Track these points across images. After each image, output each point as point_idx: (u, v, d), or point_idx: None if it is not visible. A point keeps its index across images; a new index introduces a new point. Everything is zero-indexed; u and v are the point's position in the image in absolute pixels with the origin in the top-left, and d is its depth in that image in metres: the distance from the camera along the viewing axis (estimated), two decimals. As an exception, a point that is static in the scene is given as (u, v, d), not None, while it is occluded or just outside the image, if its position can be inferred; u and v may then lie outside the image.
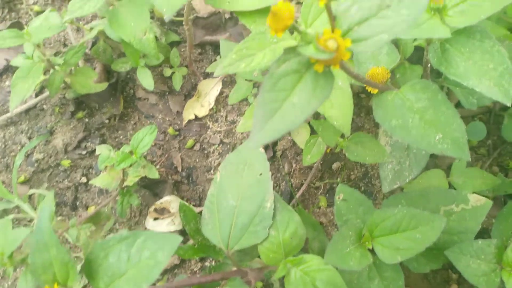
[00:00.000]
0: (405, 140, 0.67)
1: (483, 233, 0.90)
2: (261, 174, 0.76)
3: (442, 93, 0.67)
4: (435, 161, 1.05)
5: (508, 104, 0.62)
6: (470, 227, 0.79)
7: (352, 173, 1.04)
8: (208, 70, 1.04)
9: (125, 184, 0.82)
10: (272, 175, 1.04)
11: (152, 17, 1.12)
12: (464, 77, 0.64)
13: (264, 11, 0.74)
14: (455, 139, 0.66)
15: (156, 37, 1.11)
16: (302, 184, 1.03)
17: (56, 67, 0.90)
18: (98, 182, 0.83)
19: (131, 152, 0.80)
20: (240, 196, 0.76)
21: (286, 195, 1.02)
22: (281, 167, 1.05)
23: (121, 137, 1.06)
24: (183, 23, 0.88)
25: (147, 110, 1.07)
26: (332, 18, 0.43)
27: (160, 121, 1.07)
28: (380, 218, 0.75)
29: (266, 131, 0.44)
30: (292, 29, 0.44)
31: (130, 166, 0.82)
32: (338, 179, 1.04)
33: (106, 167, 0.82)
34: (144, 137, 0.80)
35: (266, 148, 1.04)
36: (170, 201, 0.94)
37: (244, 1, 0.73)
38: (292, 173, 1.04)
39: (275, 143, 1.06)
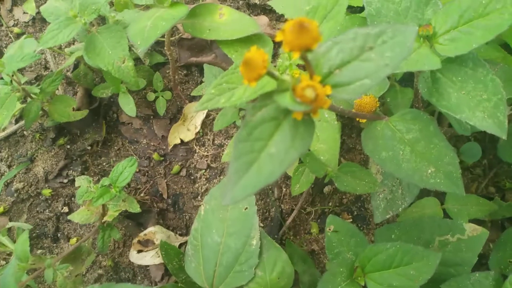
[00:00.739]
0: (395, 174, 0.64)
1: (481, 258, 0.87)
2: (246, 208, 0.73)
3: (434, 124, 0.64)
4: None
5: (504, 137, 0.59)
6: (467, 259, 0.76)
7: (344, 196, 1.00)
8: (193, 93, 1.00)
9: (105, 219, 0.78)
10: (262, 201, 1.00)
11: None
12: (456, 110, 0.60)
13: (246, 40, 0.70)
14: (448, 173, 0.62)
15: (140, 59, 1.08)
16: (292, 210, 0.99)
17: (33, 95, 0.86)
18: (76, 218, 0.79)
19: (110, 186, 0.76)
20: (225, 232, 0.73)
21: (276, 221, 0.98)
22: (270, 192, 1.01)
23: (104, 164, 1.02)
24: (165, 48, 0.85)
25: (131, 135, 1.03)
26: (310, 66, 0.40)
27: (145, 146, 1.03)
28: (373, 253, 0.72)
29: (241, 187, 0.40)
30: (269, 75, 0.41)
31: (110, 200, 0.78)
32: (330, 204, 1.01)
33: (85, 201, 0.79)
34: (124, 170, 0.77)
35: (254, 173, 1.00)
36: (155, 232, 0.91)
37: (225, 31, 0.70)
38: (282, 198, 1.01)
39: (264, 168, 1.02)
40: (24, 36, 0.86)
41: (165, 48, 0.84)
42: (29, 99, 0.86)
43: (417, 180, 0.63)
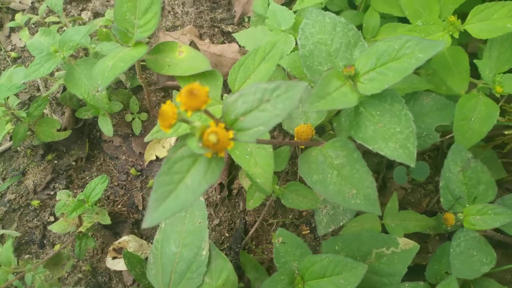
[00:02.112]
0: (323, 195, 0.73)
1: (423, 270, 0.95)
2: (200, 222, 0.83)
3: (358, 152, 0.73)
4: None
5: (412, 165, 0.68)
6: (398, 270, 0.85)
7: (303, 210, 1.10)
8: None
9: (79, 229, 0.89)
10: (228, 213, 1.10)
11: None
12: (370, 141, 0.69)
13: (199, 75, 0.81)
14: (367, 195, 0.71)
15: (122, 82, 1.19)
16: (255, 221, 1.09)
17: (21, 119, 0.98)
18: (55, 228, 0.90)
19: (83, 201, 0.87)
20: (181, 243, 0.83)
21: (240, 232, 1.08)
22: (237, 205, 1.11)
23: (87, 178, 1.13)
24: (137, 77, 0.96)
25: (111, 151, 1.14)
26: (212, 116, 0.50)
27: (124, 162, 1.14)
28: (310, 263, 0.81)
29: (160, 212, 0.50)
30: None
31: (85, 212, 0.89)
32: (291, 216, 1.10)
33: (62, 213, 0.89)
34: (96, 187, 0.87)
35: (222, 187, 1.10)
36: (128, 240, 1.01)
37: (181, 67, 0.80)
38: (247, 210, 1.10)
39: (231, 182, 1.12)
40: (14, 66, 0.97)
41: (137, 77, 0.95)
42: (16, 122, 0.98)
43: (341, 201, 0.72)
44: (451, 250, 0.85)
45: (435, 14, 0.87)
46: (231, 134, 0.50)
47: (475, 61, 0.82)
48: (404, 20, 0.92)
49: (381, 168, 1.15)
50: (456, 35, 0.79)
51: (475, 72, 0.86)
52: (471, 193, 0.84)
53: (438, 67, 0.87)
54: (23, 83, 0.88)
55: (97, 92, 0.88)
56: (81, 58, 0.92)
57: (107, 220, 0.90)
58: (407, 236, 1.03)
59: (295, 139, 0.81)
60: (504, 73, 0.82)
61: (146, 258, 0.90)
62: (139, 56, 0.77)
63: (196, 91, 0.44)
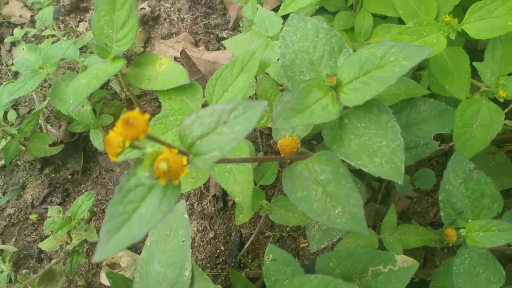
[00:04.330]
0: (307, 213, 0.68)
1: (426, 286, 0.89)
2: (183, 241, 0.80)
3: (344, 166, 0.68)
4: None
5: (400, 182, 0.63)
6: (396, 290, 0.79)
7: (302, 222, 1.05)
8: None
9: (67, 247, 0.88)
10: (224, 225, 1.07)
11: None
12: (353, 157, 0.64)
13: (179, 89, 0.78)
14: (353, 213, 0.66)
15: (117, 93, 1.18)
16: (251, 234, 1.05)
17: (14, 135, 0.98)
18: (44, 246, 0.89)
19: (70, 218, 0.86)
20: (165, 263, 0.80)
21: (236, 244, 1.05)
22: (232, 217, 1.08)
23: (83, 191, 1.13)
24: (125, 90, 0.94)
25: (106, 164, 1.13)
26: (163, 143, 0.46)
27: (119, 175, 1.13)
28: (299, 283, 0.77)
29: (112, 245, 0.47)
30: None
31: (74, 229, 0.88)
32: (288, 228, 1.06)
33: (51, 231, 0.89)
34: (82, 204, 0.86)
35: (217, 199, 1.07)
36: (121, 255, 1.00)
37: (160, 80, 0.78)
38: (242, 223, 1.07)
39: (225, 194, 1.09)
40: (6, 83, 0.97)
41: (125, 90, 0.93)
42: (9, 138, 0.98)
43: (325, 220, 0.67)
44: (454, 268, 0.79)
45: (433, 12, 0.80)
46: (184, 160, 0.47)
47: (474, 63, 0.75)
48: (403, 21, 0.86)
49: (385, 175, 1.09)
50: (453, 36, 0.73)
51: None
52: (475, 207, 0.78)
53: (436, 71, 0.80)
54: (12, 101, 0.88)
55: (83, 107, 0.87)
56: (66, 74, 0.91)
57: (95, 238, 0.89)
58: (412, 249, 0.97)
59: (280, 153, 0.77)
60: (509, 75, 0.75)
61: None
62: (114, 72, 0.74)
63: (132, 120, 0.41)
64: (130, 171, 0.51)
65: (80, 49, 1.18)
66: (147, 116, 0.42)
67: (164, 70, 0.79)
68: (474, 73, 0.80)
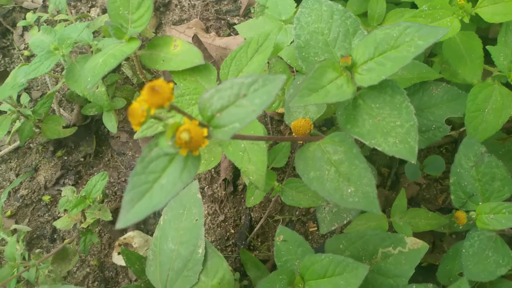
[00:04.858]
0: (320, 193, 0.69)
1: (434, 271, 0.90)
2: (196, 219, 0.81)
3: (357, 147, 0.69)
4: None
5: (413, 162, 0.63)
6: (405, 271, 0.80)
7: (311, 207, 1.06)
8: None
9: (81, 226, 0.90)
10: (234, 209, 1.09)
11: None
12: (367, 136, 0.65)
13: (193, 70, 0.79)
14: (365, 193, 0.67)
15: (128, 78, 1.19)
16: (261, 218, 1.07)
17: (28, 116, 0.99)
18: (59, 224, 0.91)
19: (85, 197, 0.87)
20: (179, 241, 0.81)
21: (246, 228, 1.06)
22: (242, 201, 1.09)
23: (95, 173, 1.14)
24: (138, 73, 0.95)
25: (118, 147, 1.15)
26: (183, 113, 0.48)
27: (130, 158, 1.14)
28: (310, 262, 0.78)
29: (134, 213, 0.49)
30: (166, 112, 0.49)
31: (88, 208, 0.89)
32: (297, 212, 1.07)
33: (66, 210, 0.90)
34: (97, 184, 0.88)
35: (227, 183, 1.09)
36: (133, 236, 1.01)
37: (175, 61, 0.79)
38: (253, 206, 1.08)
39: (236, 178, 1.10)
40: (20, 65, 0.99)
41: (138, 73, 0.94)
42: (24, 119, 1.00)
43: (338, 199, 0.68)
44: (464, 250, 0.79)
45: (446, -4, 0.80)
46: (205, 131, 0.48)
47: (487, 47, 0.75)
48: (416, 6, 0.86)
49: (394, 162, 1.10)
50: (466, 20, 0.73)
51: (492, 59, 0.79)
52: (485, 190, 0.78)
53: (449, 55, 0.81)
54: (28, 81, 0.89)
55: (97, 88, 0.88)
56: (81, 56, 0.92)
57: (109, 217, 0.90)
58: (420, 234, 0.98)
59: (293, 134, 0.78)
60: (522, 59, 0.75)
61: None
62: (130, 51, 0.75)
63: (158, 87, 0.42)
64: (151, 143, 0.52)
65: (92, 33, 1.19)
66: (171, 84, 0.43)
67: (178, 51, 0.80)
68: (486, 59, 0.81)
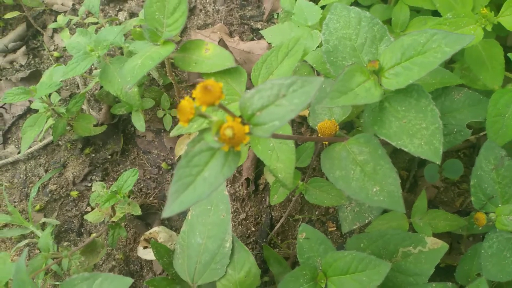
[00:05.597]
0: (345, 192, 0.72)
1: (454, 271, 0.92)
2: (223, 215, 0.85)
3: (382, 148, 0.72)
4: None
5: (438, 162, 0.66)
6: (425, 270, 0.83)
7: (330, 207, 1.09)
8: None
9: (111, 219, 0.93)
10: (255, 207, 1.12)
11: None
12: (394, 137, 0.68)
13: (224, 72, 0.82)
14: (390, 192, 0.70)
15: (155, 79, 1.24)
16: (281, 217, 1.10)
17: (61, 114, 1.04)
18: (90, 217, 0.95)
19: (116, 192, 0.91)
20: (206, 235, 0.85)
21: (266, 226, 1.09)
22: (263, 200, 1.12)
23: (122, 171, 1.18)
24: (167, 74, 0.99)
25: (144, 146, 1.19)
26: (228, 111, 0.51)
27: (155, 157, 1.18)
28: (333, 259, 0.81)
29: (179, 203, 0.52)
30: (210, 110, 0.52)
31: (117, 203, 0.93)
32: (317, 212, 1.10)
33: (97, 204, 0.94)
34: (128, 179, 0.92)
35: (249, 182, 1.12)
36: (159, 231, 1.05)
37: (207, 64, 0.82)
38: (273, 205, 1.11)
39: (257, 177, 1.13)
40: (55, 65, 1.03)
41: (167, 74, 0.98)
42: (57, 117, 1.04)
43: (363, 197, 0.71)
44: (483, 251, 0.82)
45: (469, 6, 0.83)
46: (247, 128, 0.51)
47: (509, 54, 0.78)
48: (437, 14, 0.89)
49: (413, 165, 1.12)
50: (489, 28, 0.76)
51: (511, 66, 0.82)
52: (505, 192, 0.81)
53: (471, 62, 0.84)
54: (62, 81, 0.94)
55: (129, 89, 0.92)
56: (115, 57, 0.97)
57: (138, 211, 0.94)
58: (438, 236, 1.00)
59: (319, 135, 0.81)
60: (543, 66, 0.78)
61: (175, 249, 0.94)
62: (167, 54, 0.79)
63: (210, 86, 0.45)
64: (194, 139, 0.55)
65: (122, 36, 1.23)
66: (221, 84, 0.47)
67: (210, 54, 0.84)
68: (506, 66, 0.83)
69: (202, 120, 0.74)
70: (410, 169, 1.11)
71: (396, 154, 1.13)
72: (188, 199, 0.52)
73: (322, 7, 0.94)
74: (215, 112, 0.70)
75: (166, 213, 0.52)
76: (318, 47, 0.90)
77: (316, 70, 0.93)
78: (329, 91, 0.67)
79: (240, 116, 0.54)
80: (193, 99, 0.49)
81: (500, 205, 0.80)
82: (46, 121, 1.06)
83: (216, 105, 0.47)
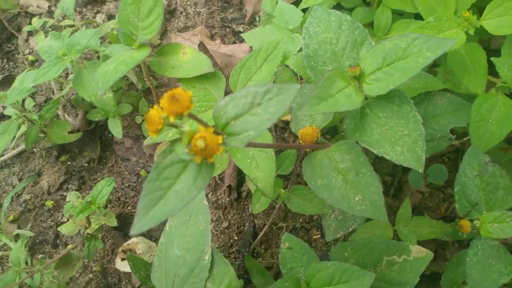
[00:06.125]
0: (327, 201, 0.70)
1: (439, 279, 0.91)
2: (203, 226, 0.82)
3: (364, 155, 0.70)
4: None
5: (420, 170, 0.64)
6: (410, 279, 0.81)
7: (315, 214, 1.07)
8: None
9: (86, 231, 0.89)
10: (238, 215, 1.09)
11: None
12: (376, 145, 0.66)
13: (202, 77, 0.79)
14: (373, 201, 0.68)
15: (133, 84, 1.20)
16: (265, 225, 1.07)
17: (34, 121, 1.00)
18: (63, 229, 0.91)
19: (90, 202, 0.87)
20: (185, 247, 0.82)
21: (249, 235, 1.06)
22: (246, 207, 1.09)
23: (99, 179, 1.14)
24: (145, 79, 0.95)
25: (122, 153, 1.15)
26: (199, 121, 0.48)
27: (134, 164, 1.14)
28: (316, 270, 0.78)
29: (149, 218, 0.49)
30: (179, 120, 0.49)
31: (93, 214, 0.89)
32: (301, 220, 1.07)
33: (71, 215, 0.90)
34: (103, 189, 0.88)
35: (231, 190, 1.09)
36: (137, 242, 1.01)
37: (184, 69, 0.79)
38: (256, 213, 1.08)
39: (240, 184, 1.10)
40: (27, 69, 0.99)
41: (145, 79, 0.94)
42: (30, 124, 1.00)
43: (345, 207, 0.69)
44: (468, 259, 0.80)
45: (451, 9, 0.82)
46: (220, 139, 0.48)
47: (492, 58, 0.77)
48: (420, 17, 0.88)
49: (397, 170, 1.11)
50: (472, 32, 0.75)
51: (495, 70, 0.81)
52: (489, 199, 0.79)
53: (454, 66, 0.82)
54: (36, 86, 0.89)
55: (105, 94, 0.89)
56: (90, 61, 0.93)
57: (114, 223, 0.90)
58: (423, 242, 0.99)
59: (300, 142, 0.78)
60: (526, 71, 0.77)
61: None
62: (141, 58, 0.76)
63: (178, 96, 0.43)
64: (165, 150, 0.52)
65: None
66: (190, 93, 0.44)
67: (187, 59, 0.81)
68: (489, 70, 0.82)
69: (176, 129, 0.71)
70: (394, 174, 1.10)
71: (380, 160, 1.11)
72: (159, 214, 0.49)
73: (304, 10, 0.92)
74: (188, 121, 0.67)
75: (135, 230, 0.48)
76: (299, 51, 0.87)
77: (298, 75, 0.91)
78: (308, 97, 0.65)
79: (213, 126, 0.51)
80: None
81: (484, 212, 0.79)
82: (19, 128, 1.02)
83: (184, 116, 0.44)
